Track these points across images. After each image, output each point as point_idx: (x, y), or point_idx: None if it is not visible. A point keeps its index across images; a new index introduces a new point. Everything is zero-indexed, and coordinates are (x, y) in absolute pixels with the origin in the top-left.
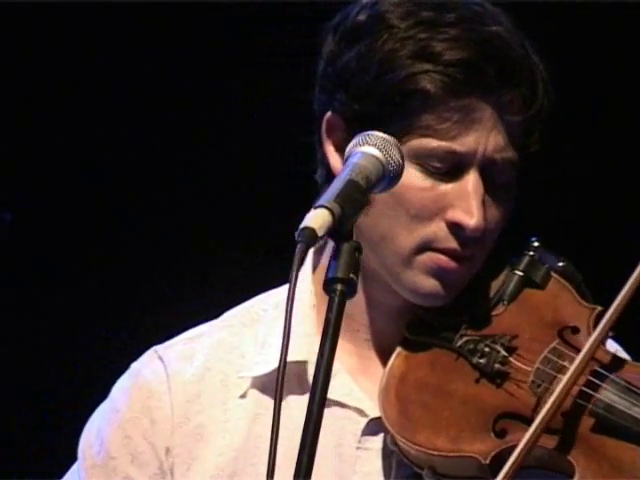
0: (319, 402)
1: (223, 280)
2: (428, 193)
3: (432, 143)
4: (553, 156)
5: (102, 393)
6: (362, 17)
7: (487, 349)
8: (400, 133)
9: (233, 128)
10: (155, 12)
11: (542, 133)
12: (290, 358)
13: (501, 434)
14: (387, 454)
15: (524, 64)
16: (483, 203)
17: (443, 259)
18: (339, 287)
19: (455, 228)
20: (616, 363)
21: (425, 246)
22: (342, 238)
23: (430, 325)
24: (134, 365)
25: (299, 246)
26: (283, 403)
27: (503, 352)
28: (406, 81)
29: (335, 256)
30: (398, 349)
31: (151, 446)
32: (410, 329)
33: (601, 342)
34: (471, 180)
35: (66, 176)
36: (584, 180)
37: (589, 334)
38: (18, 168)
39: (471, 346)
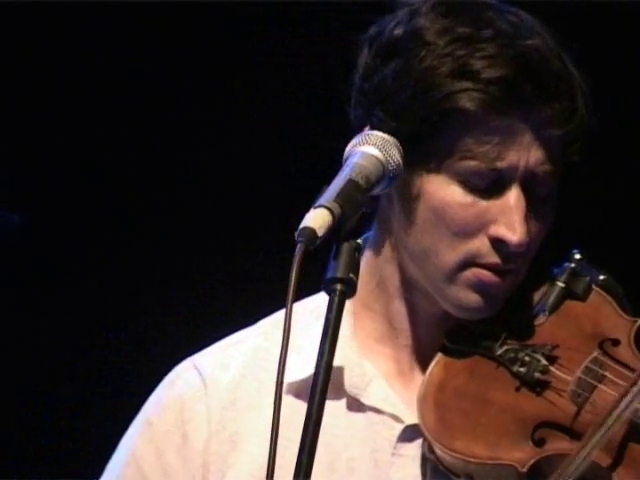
0: (318, 403)
1: (223, 280)
2: (470, 210)
3: (472, 165)
4: (596, 167)
5: (102, 393)
6: (398, 32)
7: (528, 358)
8: (440, 155)
9: (233, 128)
10: (155, 12)
11: (583, 144)
12: None
13: (540, 443)
14: (422, 461)
15: (562, 77)
16: (525, 218)
17: (486, 274)
18: (338, 287)
19: (498, 244)
20: None
21: (468, 262)
22: (342, 238)
23: (470, 333)
24: (169, 376)
25: (299, 246)
26: None
27: (544, 361)
28: (445, 100)
29: (335, 256)
30: (437, 356)
31: (183, 461)
32: (450, 337)
33: None
34: (513, 195)
35: (68, 176)
36: (628, 192)
37: (629, 346)
38: (24, 169)
39: (511, 355)
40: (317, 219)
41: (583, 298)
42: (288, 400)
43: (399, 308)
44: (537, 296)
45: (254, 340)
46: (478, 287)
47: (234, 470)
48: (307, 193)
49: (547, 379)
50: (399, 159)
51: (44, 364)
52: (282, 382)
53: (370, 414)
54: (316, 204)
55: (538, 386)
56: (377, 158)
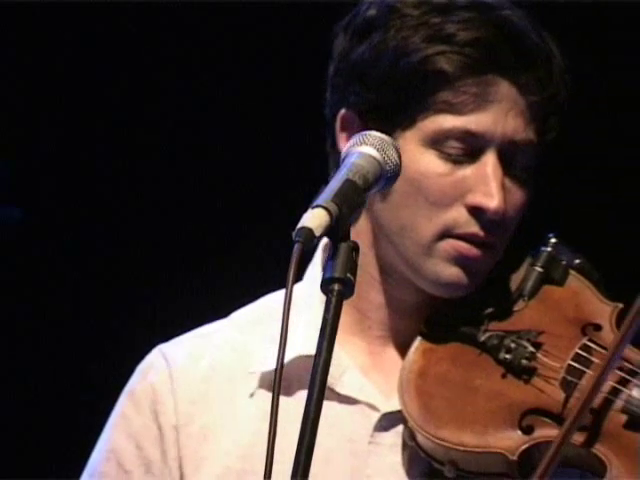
0: (316, 401)
1: (222, 280)
2: (447, 179)
3: (447, 121)
4: (570, 150)
5: (103, 393)
6: (373, 11)
7: (513, 345)
8: (416, 115)
9: (233, 128)
10: (155, 12)
11: (560, 122)
12: (300, 352)
13: (528, 430)
14: (401, 449)
15: (540, 47)
16: (503, 186)
17: (464, 246)
18: (336, 287)
19: (476, 212)
20: None
21: (446, 233)
22: (339, 238)
23: (449, 320)
24: (140, 366)
25: (296, 246)
26: (294, 399)
27: (530, 348)
28: (422, 63)
29: (332, 256)
30: (416, 344)
31: (162, 453)
32: (429, 324)
33: (629, 340)
34: (490, 162)
35: (68, 176)
36: (602, 175)
37: (612, 331)
38: (24, 164)
39: (495, 341)
40: (314, 219)
41: (561, 283)
42: (263, 393)
43: (371, 299)
44: (516, 281)
45: (225, 332)
46: (457, 260)
47: (209, 462)
48: (305, 193)
49: (534, 366)
50: (397, 159)
51: (44, 364)
52: (280, 382)
53: (345, 404)
54: (314, 204)
55: (525, 373)
56: (375, 158)
